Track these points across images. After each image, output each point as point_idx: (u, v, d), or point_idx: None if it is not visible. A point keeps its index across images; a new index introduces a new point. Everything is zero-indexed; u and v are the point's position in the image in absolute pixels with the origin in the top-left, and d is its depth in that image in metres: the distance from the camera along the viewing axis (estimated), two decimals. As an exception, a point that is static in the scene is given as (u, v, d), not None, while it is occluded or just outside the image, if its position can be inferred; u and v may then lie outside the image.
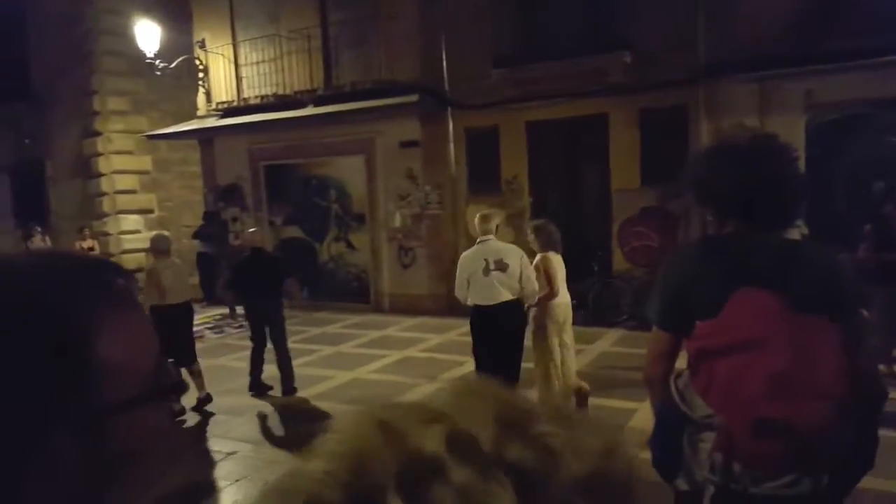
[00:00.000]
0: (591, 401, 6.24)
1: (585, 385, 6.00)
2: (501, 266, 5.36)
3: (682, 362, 2.01)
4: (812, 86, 8.46)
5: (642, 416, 5.33)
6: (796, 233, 3.70)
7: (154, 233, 7.64)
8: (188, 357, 6.52)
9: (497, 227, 5.69)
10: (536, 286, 5.47)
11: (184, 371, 6.24)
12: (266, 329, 7.09)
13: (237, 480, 4.91)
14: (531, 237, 5.83)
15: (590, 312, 9.66)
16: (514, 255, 5.45)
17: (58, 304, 0.61)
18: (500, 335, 5.47)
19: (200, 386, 6.58)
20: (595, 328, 9.27)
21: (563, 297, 5.75)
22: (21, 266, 0.66)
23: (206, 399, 6.61)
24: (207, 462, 5.28)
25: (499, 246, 5.52)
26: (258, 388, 7.11)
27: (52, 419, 0.59)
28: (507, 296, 5.38)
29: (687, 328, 1.94)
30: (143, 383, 0.65)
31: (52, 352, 0.59)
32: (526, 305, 5.62)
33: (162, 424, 0.68)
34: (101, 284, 0.66)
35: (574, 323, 6.03)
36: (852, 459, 1.82)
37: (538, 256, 5.71)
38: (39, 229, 14.35)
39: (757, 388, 1.68)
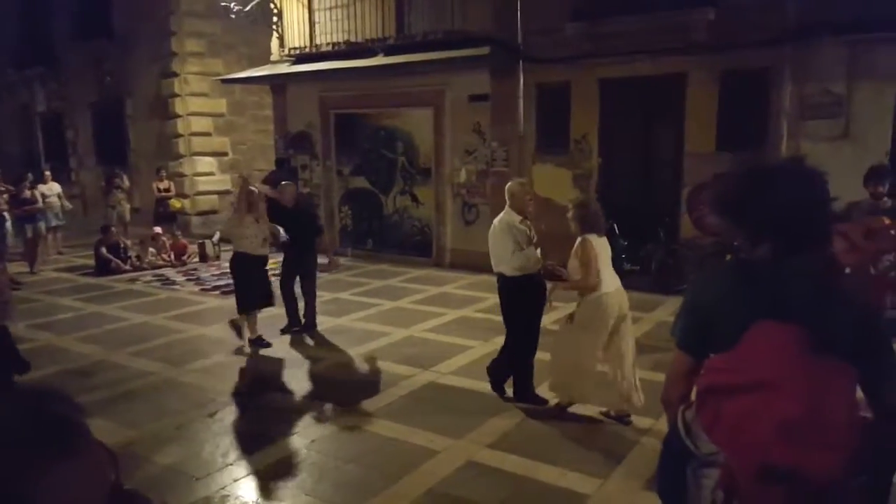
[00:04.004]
0: (645, 374, 5.52)
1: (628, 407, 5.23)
2: None
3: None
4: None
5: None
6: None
7: None
8: None
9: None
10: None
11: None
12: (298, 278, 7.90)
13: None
14: (570, 215, 5.19)
15: (653, 279, 9.47)
16: None
17: None
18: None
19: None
20: (657, 295, 9.08)
21: (610, 286, 5.15)
22: None
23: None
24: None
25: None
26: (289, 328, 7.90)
27: None
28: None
29: (708, 353, 1.87)
30: None
31: None
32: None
33: None
34: (43, 440, 0.64)
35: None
36: None
37: (578, 240, 5.16)
38: (120, 172, 14.84)
39: (766, 432, 1.61)
